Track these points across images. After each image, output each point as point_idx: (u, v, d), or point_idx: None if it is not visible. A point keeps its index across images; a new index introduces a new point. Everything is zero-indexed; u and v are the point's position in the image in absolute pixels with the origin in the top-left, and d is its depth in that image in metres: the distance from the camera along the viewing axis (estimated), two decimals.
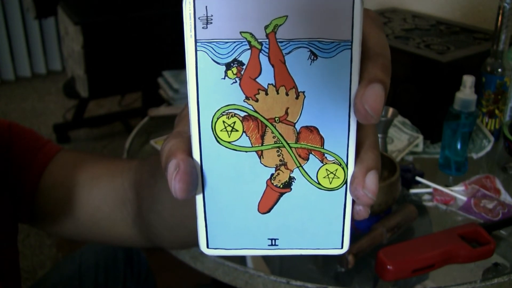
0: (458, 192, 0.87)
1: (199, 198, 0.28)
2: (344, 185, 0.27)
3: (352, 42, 0.25)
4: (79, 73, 2.09)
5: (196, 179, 0.27)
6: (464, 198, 0.85)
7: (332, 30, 0.25)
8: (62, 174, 0.56)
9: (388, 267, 0.67)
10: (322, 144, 0.27)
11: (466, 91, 0.89)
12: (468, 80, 0.89)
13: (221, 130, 0.26)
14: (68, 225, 0.56)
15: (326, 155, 0.27)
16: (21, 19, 3.03)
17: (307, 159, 0.27)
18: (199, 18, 0.25)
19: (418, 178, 0.89)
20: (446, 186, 0.89)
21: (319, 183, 0.27)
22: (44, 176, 0.56)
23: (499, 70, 0.98)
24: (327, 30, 0.25)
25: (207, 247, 0.29)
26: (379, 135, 0.91)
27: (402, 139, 1.01)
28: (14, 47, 3.08)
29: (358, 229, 0.78)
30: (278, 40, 0.25)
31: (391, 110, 0.92)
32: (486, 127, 1.03)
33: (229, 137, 0.26)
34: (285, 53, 0.25)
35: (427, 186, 0.89)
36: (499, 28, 0.95)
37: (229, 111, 0.26)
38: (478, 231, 0.73)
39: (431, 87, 1.01)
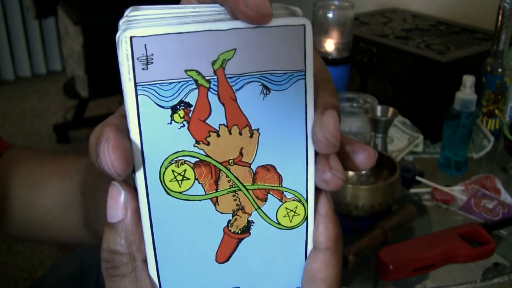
0: (458, 192, 0.87)
1: (150, 254, 0.25)
2: (305, 221, 0.26)
3: (305, 71, 0.24)
4: (79, 73, 2.09)
5: (131, 155, 0.23)
6: (464, 198, 0.85)
7: (284, 60, 0.23)
8: (10, 173, 0.54)
9: (389, 267, 0.67)
10: (280, 182, 0.25)
11: (466, 91, 0.89)
12: (468, 80, 0.89)
13: (170, 181, 0.24)
14: (17, 226, 0.54)
15: (285, 193, 0.25)
16: (21, 19, 3.03)
17: (266, 200, 0.25)
18: (137, 59, 0.23)
19: (418, 178, 0.89)
20: (446, 186, 0.89)
21: (279, 223, 0.26)
22: None
23: (499, 70, 0.98)
24: (279, 61, 0.23)
25: None
26: (379, 135, 0.91)
27: (402, 139, 1.01)
28: (14, 47, 3.08)
29: (358, 229, 0.78)
30: (227, 76, 0.23)
31: (391, 110, 0.92)
32: (486, 127, 1.03)
33: (180, 187, 0.24)
34: (235, 90, 0.23)
35: (427, 186, 0.89)
36: (499, 28, 0.95)
37: (179, 158, 0.24)
38: (478, 231, 0.73)
39: (431, 87, 1.01)
